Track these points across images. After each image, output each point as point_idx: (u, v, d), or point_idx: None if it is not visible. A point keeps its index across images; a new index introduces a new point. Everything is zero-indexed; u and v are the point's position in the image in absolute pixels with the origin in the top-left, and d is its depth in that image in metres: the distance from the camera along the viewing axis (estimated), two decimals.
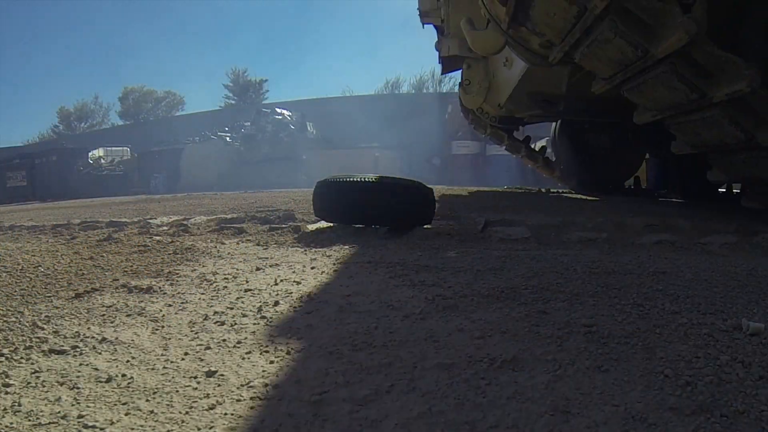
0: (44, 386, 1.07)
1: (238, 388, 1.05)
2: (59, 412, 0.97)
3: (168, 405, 1.00)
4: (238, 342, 1.25)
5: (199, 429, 0.92)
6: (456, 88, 5.94)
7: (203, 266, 1.91)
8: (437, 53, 4.99)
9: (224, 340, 1.26)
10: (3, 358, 1.18)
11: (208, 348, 1.22)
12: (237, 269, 1.85)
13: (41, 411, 0.98)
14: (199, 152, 20.98)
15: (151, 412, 0.98)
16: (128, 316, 1.44)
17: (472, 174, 14.31)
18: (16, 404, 1.00)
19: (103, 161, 23.32)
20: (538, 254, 1.95)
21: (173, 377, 1.10)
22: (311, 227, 2.74)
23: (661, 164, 5.52)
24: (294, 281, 1.68)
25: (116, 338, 1.29)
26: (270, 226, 2.84)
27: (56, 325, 1.37)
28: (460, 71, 4.98)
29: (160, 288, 1.65)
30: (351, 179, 2.62)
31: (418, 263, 1.82)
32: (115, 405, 1.00)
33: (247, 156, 20.16)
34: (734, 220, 2.74)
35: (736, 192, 4.45)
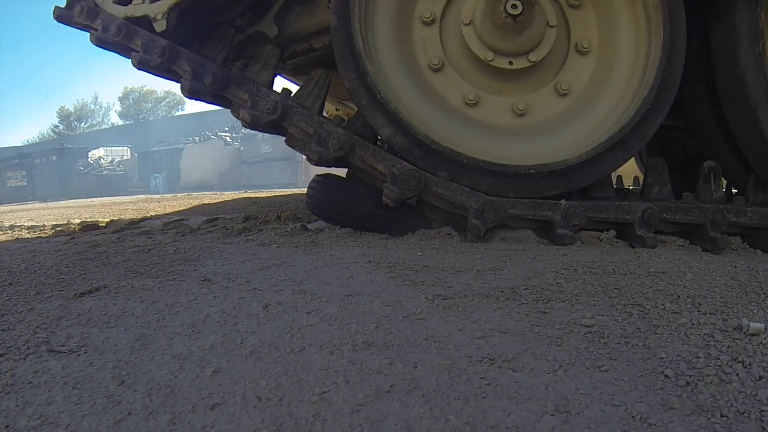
0: (46, 386, 1.07)
1: (241, 387, 1.05)
2: (62, 413, 0.98)
3: (171, 405, 1.00)
4: (242, 342, 1.25)
5: (200, 429, 0.93)
6: None
7: (204, 266, 1.91)
8: None
9: (227, 340, 1.26)
10: (3, 359, 1.18)
11: (212, 348, 1.23)
12: (238, 269, 1.85)
13: (44, 411, 0.98)
14: (199, 152, 21.00)
15: (154, 412, 0.98)
16: (130, 315, 1.44)
17: None
18: (19, 405, 1.00)
19: (103, 161, 23.35)
20: (538, 254, 1.96)
21: (177, 377, 1.10)
22: (312, 227, 2.74)
23: None
24: (295, 281, 1.69)
25: (118, 338, 1.29)
26: (271, 226, 2.84)
27: (57, 325, 1.37)
28: None
29: (161, 287, 1.66)
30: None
31: (418, 263, 1.83)
32: (118, 405, 1.00)
33: (247, 156, 20.17)
34: None
35: None
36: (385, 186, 2.23)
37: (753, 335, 1.16)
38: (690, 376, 1.01)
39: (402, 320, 1.34)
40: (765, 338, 1.14)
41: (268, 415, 0.95)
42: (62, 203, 9.08)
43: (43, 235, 3.06)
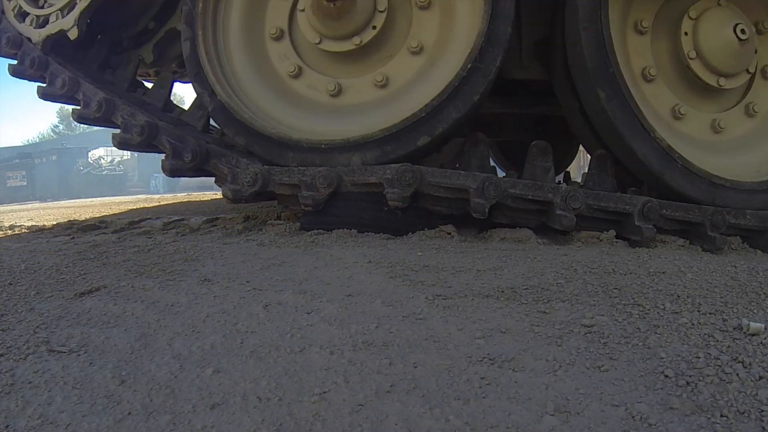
0: (46, 386, 1.07)
1: (241, 387, 1.05)
2: (62, 413, 0.98)
3: (171, 405, 1.00)
4: (242, 342, 1.25)
5: (200, 429, 0.93)
6: None
7: (204, 266, 1.91)
8: None
9: (228, 340, 1.26)
10: (3, 359, 1.18)
11: (212, 348, 1.23)
12: (238, 269, 1.85)
13: (44, 411, 0.98)
14: None
15: (154, 412, 0.98)
16: (130, 315, 1.44)
17: None
18: (19, 405, 1.00)
19: (103, 161, 23.35)
20: (538, 254, 1.96)
21: (177, 377, 1.10)
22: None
23: None
24: (295, 281, 1.69)
25: (118, 338, 1.29)
26: (271, 226, 2.84)
27: (57, 325, 1.37)
28: None
29: (161, 287, 1.66)
30: None
31: (418, 263, 1.83)
32: (118, 405, 1.00)
33: None
34: None
35: None
36: (385, 192, 2.24)
37: (753, 335, 1.16)
38: (690, 376, 1.01)
39: (402, 320, 1.34)
40: (765, 338, 1.14)
41: (269, 415, 0.95)
42: (62, 203, 9.09)
43: (44, 235, 3.06)
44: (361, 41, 2.41)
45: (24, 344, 1.25)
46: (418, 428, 0.90)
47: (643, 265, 1.75)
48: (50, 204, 9.57)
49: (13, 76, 3.17)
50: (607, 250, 2.06)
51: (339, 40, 2.43)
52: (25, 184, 21.34)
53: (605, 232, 2.28)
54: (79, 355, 1.21)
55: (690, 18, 2.42)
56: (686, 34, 2.42)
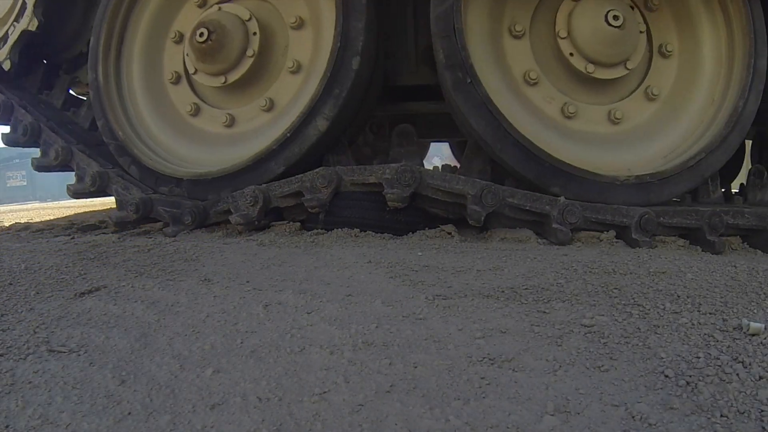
0: (46, 386, 1.07)
1: (241, 387, 1.05)
2: (62, 413, 0.98)
3: (171, 405, 1.00)
4: (242, 342, 1.25)
5: (200, 429, 0.93)
6: None
7: (204, 266, 1.91)
8: None
9: (228, 340, 1.26)
10: (3, 359, 1.18)
11: (213, 348, 1.23)
12: (239, 269, 1.85)
13: (44, 411, 0.98)
14: None
15: (154, 412, 0.98)
16: (130, 315, 1.44)
17: None
18: (19, 405, 1.00)
19: None
20: (538, 254, 1.96)
21: (177, 377, 1.10)
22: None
23: None
24: (295, 281, 1.69)
25: (118, 338, 1.29)
26: (271, 225, 2.84)
27: (57, 325, 1.37)
28: None
29: (161, 287, 1.66)
30: None
31: (418, 263, 1.83)
32: (118, 405, 1.00)
33: None
34: None
35: None
36: (385, 193, 2.24)
37: (753, 335, 1.17)
38: (690, 376, 1.02)
39: (402, 320, 1.34)
40: (765, 338, 1.14)
41: (269, 415, 0.95)
42: (62, 203, 9.08)
43: (44, 235, 3.06)
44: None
45: (24, 344, 1.25)
46: (418, 428, 0.90)
47: (643, 265, 1.75)
48: (50, 204, 9.57)
49: None
50: (607, 250, 2.06)
51: None
52: (25, 184, 21.30)
53: (605, 232, 2.28)
54: (79, 355, 1.21)
55: (563, 14, 2.36)
56: (561, 32, 2.36)
